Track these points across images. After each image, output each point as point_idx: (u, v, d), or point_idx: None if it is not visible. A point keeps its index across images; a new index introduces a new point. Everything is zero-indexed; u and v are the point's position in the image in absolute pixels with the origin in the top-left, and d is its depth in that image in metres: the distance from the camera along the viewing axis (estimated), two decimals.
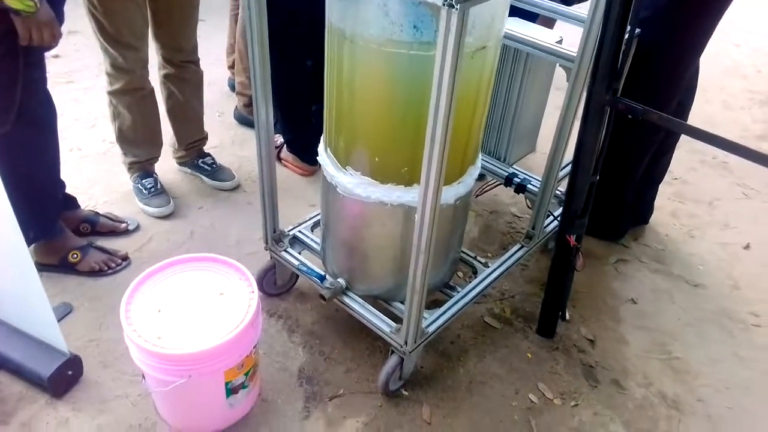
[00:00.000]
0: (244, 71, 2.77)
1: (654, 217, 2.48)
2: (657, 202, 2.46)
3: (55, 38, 1.49)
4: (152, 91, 2.17)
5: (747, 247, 2.43)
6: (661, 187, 2.44)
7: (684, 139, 2.31)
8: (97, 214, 2.17)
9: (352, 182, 1.52)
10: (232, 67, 2.93)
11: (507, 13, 1.40)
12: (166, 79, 2.26)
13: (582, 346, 1.95)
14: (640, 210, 2.42)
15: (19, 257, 1.48)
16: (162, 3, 2.04)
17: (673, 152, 2.34)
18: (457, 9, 1.03)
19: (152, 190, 2.29)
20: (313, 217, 1.99)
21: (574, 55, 1.62)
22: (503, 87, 2.01)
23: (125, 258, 2.07)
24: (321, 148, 1.64)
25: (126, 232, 2.18)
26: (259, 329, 1.54)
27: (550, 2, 2.01)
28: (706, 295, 2.20)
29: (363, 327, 1.78)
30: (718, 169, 2.86)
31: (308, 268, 1.78)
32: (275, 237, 1.87)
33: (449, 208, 1.58)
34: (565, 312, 1.96)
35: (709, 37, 1.93)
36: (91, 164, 2.53)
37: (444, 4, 1.04)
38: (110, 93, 2.11)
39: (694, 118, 2.21)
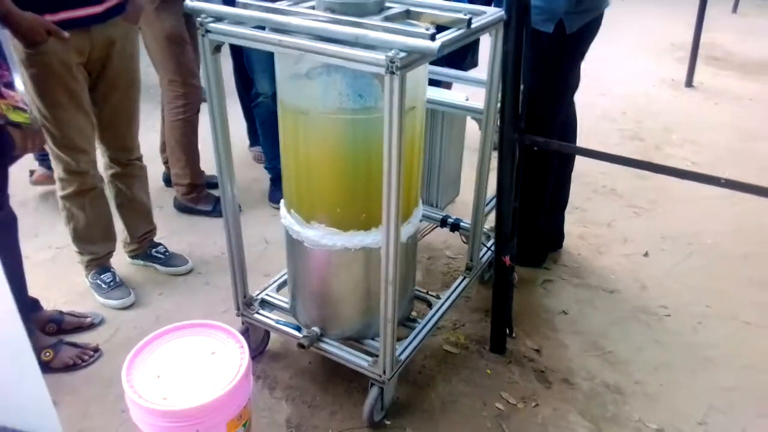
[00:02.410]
0: (177, 162, 2.94)
1: (566, 242, 2.84)
2: (566, 229, 2.83)
3: (40, 146, 1.64)
4: (103, 189, 2.30)
5: (646, 254, 2.83)
6: (567, 216, 2.82)
7: (576, 173, 2.73)
8: (61, 312, 2.22)
9: (317, 234, 1.75)
10: (167, 162, 3.09)
11: (427, 80, 1.74)
12: (114, 178, 2.39)
13: (531, 356, 2.21)
14: (554, 237, 2.78)
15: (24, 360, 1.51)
16: (107, 110, 2.22)
17: (570, 182, 2.74)
18: (397, 75, 1.33)
19: (111, 284, 2.37)
20: (276, 280, 2.17)
21: (482, 108, 1.98)
22: (427, 143, 2.34)
23: (96, 349, 2.13)
24: (283, 211, 1.86)
25: (92, 326, 2.24)
26: (251, 381, 1.68)
27: (450, 70, 2.41)
28: (621, 298, 2.55)
29: (338, 372, 1.94)
30: (609, 196, 3.32)
31: (284, 322, 1.95)
32: (246, 302, 2.03)
33: (402, 246, 1.83)
34: (512, 328, 2.23)
35: (574, 80, 2.37)
36: (41, 270, 2.57)
37: (386, 72, 1.34)
38: (63, 197, 2.23)
39: (580, 159, 2.63)
